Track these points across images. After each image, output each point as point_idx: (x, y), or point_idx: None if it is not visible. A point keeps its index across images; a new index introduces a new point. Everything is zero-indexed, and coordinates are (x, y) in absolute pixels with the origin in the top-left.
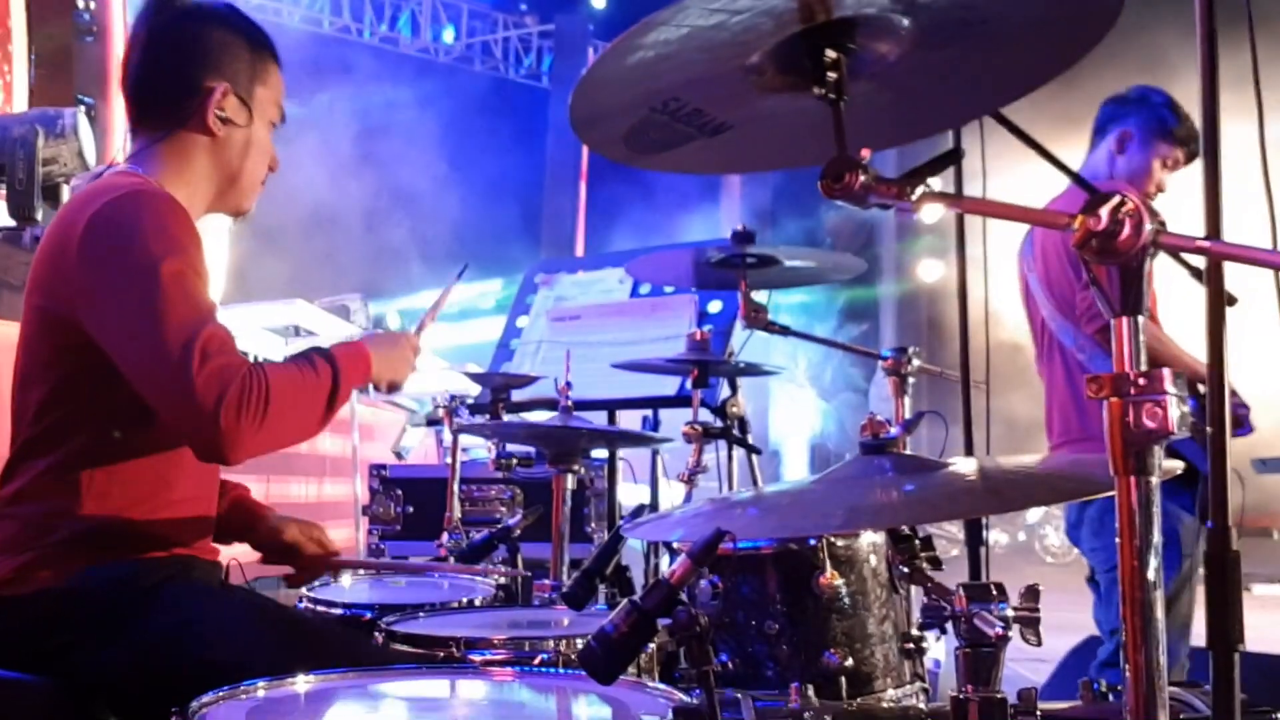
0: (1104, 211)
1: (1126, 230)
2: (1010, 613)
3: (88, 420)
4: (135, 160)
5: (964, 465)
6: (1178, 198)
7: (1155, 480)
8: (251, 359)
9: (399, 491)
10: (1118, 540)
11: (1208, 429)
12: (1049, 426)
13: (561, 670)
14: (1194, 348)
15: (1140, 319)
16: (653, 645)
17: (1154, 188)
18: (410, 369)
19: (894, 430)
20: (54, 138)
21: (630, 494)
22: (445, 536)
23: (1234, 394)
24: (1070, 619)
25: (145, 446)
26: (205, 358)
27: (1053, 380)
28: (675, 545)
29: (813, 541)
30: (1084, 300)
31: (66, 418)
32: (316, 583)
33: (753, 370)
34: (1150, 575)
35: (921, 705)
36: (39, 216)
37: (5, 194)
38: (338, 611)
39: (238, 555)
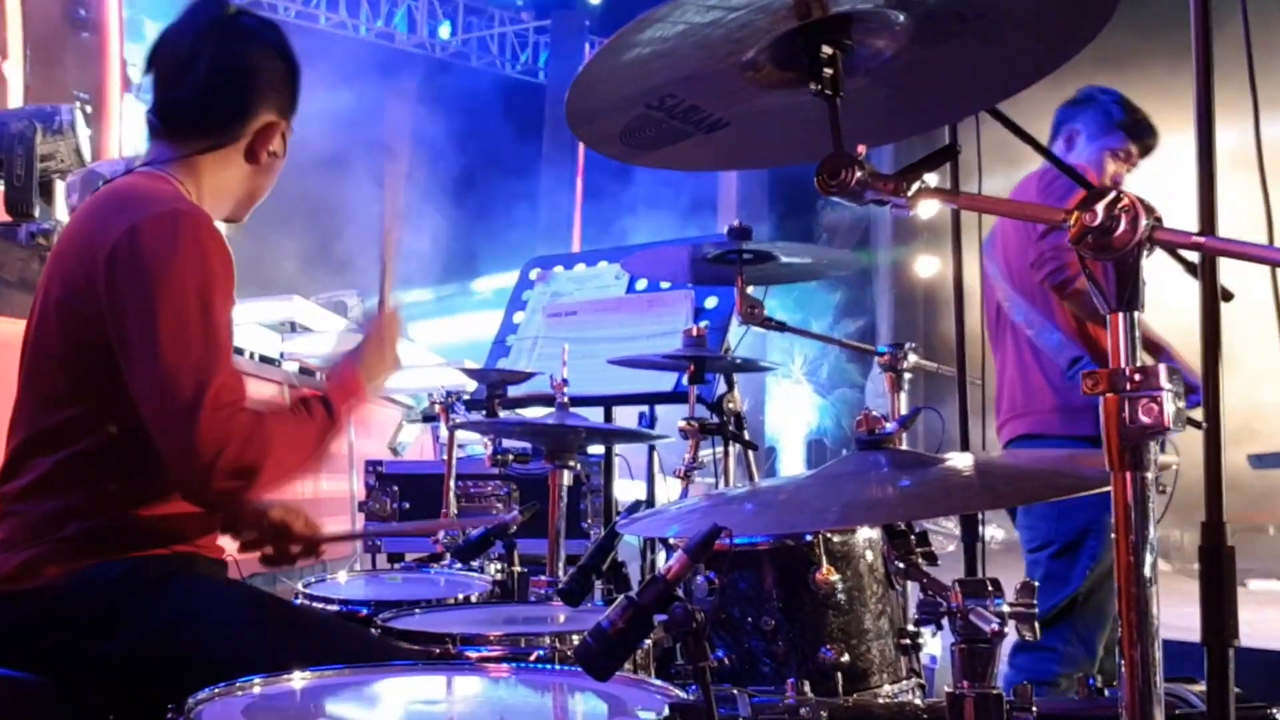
0: (1100, 207)
1: (1122, 226)
2: (1006, 608)
3: (98, 417)
4: (172, 165)
5: (960, 461)
6: (1177, 198)
7: (1151, 476)
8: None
9: (395, 487)
10: (1113, 536)
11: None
12: (998, 404)
13: (558, 666)
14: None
15: (1136, 315)
16: (649, 641)
17: (1108, 180)
18: (396, 358)
19: (890, 426)
20: (51, 134)
21: (626, 490)
22: (441, 532)
23: (1191, 371)
24: None
25: (149, 443)
26: (215, 408)
27: (1004, 360)
28: (671, 541)
29: (809, 537)
30: (1036, 250)
31: (77, 414)
32: (312, 578)
33: (749, 366)
34: (1146, 571)
35: (917, 701)
36: (36, 213)
37: (3, 190)
38: (334, 608)
39: (233, 552)
